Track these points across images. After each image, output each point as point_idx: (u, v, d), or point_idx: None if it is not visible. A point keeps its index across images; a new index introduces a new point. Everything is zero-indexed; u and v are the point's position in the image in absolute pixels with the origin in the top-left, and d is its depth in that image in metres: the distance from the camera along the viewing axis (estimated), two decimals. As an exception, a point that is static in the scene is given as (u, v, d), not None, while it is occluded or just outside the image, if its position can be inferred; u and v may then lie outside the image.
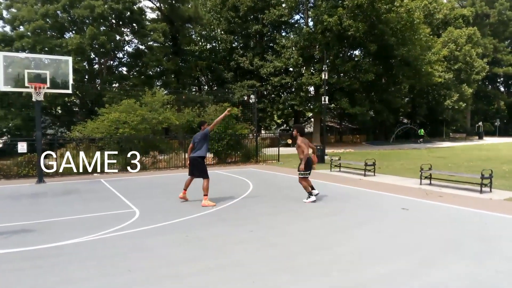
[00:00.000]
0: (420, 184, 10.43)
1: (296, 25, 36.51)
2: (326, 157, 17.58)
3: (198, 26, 35.86)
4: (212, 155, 18.25)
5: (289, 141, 27.30)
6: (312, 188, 8.39)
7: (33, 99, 11.61)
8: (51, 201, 8.73)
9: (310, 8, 33.39)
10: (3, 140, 21.39)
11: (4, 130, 24.54)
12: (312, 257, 4.62)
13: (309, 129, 45.65)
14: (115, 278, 4.05)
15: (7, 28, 27.52)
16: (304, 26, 32.93)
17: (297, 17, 36.64)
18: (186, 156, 9.10)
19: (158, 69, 32.28)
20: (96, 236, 5.64)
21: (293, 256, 4.67)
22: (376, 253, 4.76)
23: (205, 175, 8.16)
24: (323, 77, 19.82)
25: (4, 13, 27.76)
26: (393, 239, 5.35)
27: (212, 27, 37.35)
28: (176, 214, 7.08)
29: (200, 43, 38.74)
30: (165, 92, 21.13)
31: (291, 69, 34.00)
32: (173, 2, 33.29)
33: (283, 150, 22.34)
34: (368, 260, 4.52)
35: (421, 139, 38.30)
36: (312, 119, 40.86)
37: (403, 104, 41.44)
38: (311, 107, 33.51)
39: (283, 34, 36.75)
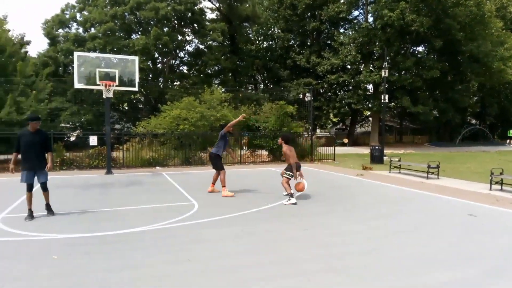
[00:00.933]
0: (490, 189, 9.72)
1: (355, 21, 35.51)
2: (385, 158, 16.99)
3: (255, 25, 36.26)
4: (267, 153, 18.45)
5: (346, 140, 26.73)
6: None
7: (104, 96, 12.56)
8: (118, 191, 9.42)
9: (370, 3, 32.26)
10: (76, 134, 23.29)
11: (77, 124, 26.72)
12: (366, 259, 4.54)
13: (366, 128, 44.25)
14: (175, 267, 4.30)
15: (80, 30, 29.87)
16: (363, 22, 31.92)
17: (356, 13, 35.60)
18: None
19: (217, 67, 33.17)
20: (159, 225, 6.01)
21: (346, 257, 4.62)
22: (436, 259, 4.56)
23: (219, 169, 9.00)
24: (383, 74, 19.10)
25: (78, 15, 30.17)
26: (456, 246, 5.08)
27: (269, 25, 37.58)
28: (232, 208, 7.30)
29: (257, 42, 39.17)
30: (223, 90, 21.70)
31: (348, 66, 33.17)
32: (232, 1, 33.96)
33: (339, 150, 21.93)
34: (426, 266, 4.34)
35: (509, 140, 35.52)
36: (370, 118, 39.52)
37: (471, 104, 38.54)
38: (370, 105, 32.44)
39: (341, 30, 35.92)
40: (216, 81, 34.37)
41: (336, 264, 4.39)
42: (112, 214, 6.85)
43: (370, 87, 33.75)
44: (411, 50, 32.89)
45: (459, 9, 28.07)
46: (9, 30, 17.08)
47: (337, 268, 4.27)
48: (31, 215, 6.46)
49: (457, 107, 34.53)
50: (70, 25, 30.23)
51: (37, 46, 71.81)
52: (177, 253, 4.73)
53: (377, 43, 30.31)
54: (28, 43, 28.51)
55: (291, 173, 8.33)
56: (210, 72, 33.20)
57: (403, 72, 31.47)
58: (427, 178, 11.90)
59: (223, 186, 8.83)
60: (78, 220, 6.42)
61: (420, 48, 34.54)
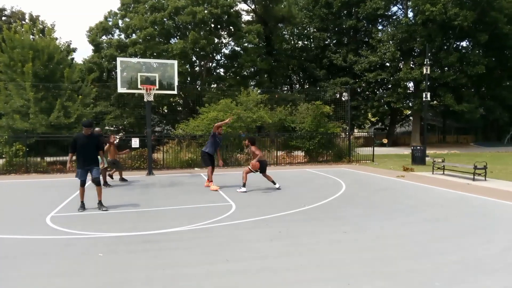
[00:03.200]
0: (544, 192, 9.08)
1: (393, 17, 34.50)
2: (427, 159, 16.36)
3: (290, 25, 36.13)
4: (303, 154, 18.30)
5: (385, 141, 25.96)
6: (274, 182, 9.82)
7: (145, 100, 13.00)
8: (159, 192, 9.70)
9: (410, -1, 31.22)
10: (119, 136, 24.27)
11: (120, 127, 27.84)
12: (411, 264, 4.37)
13: (407, 128, 42.79)
14: (215, 266, 4.35)
15: (122, 36, 31.11)
16: (403, 18, 30.91)
17: (394, 8, 34.65)
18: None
19: (253, 69, 33.37)
20: (198, 225, 6.12)
21: (389, 262, 4.48)
22: (486, 266, 4.30)
23: (206, 165, 10.11)
24: (424, 71, 18.40)
25: (120, 22, 31.46)
26: (508, 252, 4.78)
27: (304, 25, 37.31)
28: (269, 209, 7.30)
29: (292, 42, 39.00)
30: (259, 91, 21.75)
31: (387, 64, 32.25)
32: (267, 3, 34.05)
33: (378, 150, 21.36)
34: (476, 273, 4.11)
35: None
36: (411, 117, 38.19)
37: (520, 101, 36.25)
38: (410, 104, 31.40)
39: (379, 27, 34.99)
40: (252, 83, 34.57)
41: (380, 268, 4.26)
42: (154, 214, 7.06)
43: (411, 85, 32.65)
44: (454, 45, 31.46)
45: (506, 1, 26.49)
46: (56, 38, 18.05)
47: (381, 272, 4.14)
48: (83, 207, 7.35)
49: (505, 105, 32.59)
50: (113, 32, 31.62)
51: (83, 52, 75.76)
52: (216, 253, 4.78)
53: (417, 39, 29.27)
54: (74, 50, 30.16)
55: (254, 169, 9.52)
56: (246, 73, 33.46)
57: (446, 68, 30.19)
58: (474, 179, 11.31)
59: (210, 181, 9.87)
60: (122, 219, 6.67)
61: (464, 43, 33.02)
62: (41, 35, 18.19)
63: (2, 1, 69.13)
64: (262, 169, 9.66)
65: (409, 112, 37.90)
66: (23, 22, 26.49)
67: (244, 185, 9.46)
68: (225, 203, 8.04)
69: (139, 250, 4.93)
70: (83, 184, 7.36)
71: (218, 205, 7.86)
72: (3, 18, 28.49)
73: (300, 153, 18.47)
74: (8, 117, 15.16)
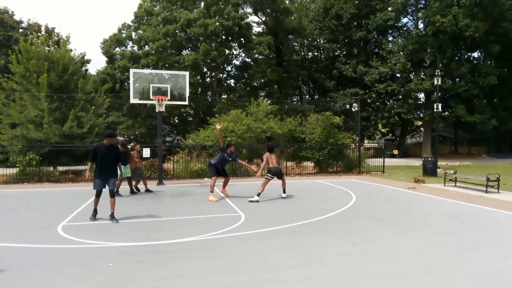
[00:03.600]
0: (560, 205, 8.89)
1: (404, 29, 34.48)
2: (439, 170, 16.16)
3: (300, 37, 36.37)
4: (313, 164, 18.23)
5: (395, 152, 25.73)
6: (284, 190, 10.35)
7: (156, 110, 13.16)
8: (169, 202, 9.75)
9: (420, 10, 31.20)
10: (130, 147, 24.52)
11: (132, 137, 28.17)
12: (422, 278, 4.31)
13: (418, 139, 42.37)
14: (223, 277, 4.35)
15: (135, 48, 31.69)
16: (413, 29, 30.88)
17: (405, 20, 34.67)
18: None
19: (263, 80, 33.59)
20: (208, 236, 6.13)
21: (400, 275, 4.42)
22: (499, 280, 4.23)
23: (210, 175, 10.43)
24: (435, 82, 18.26)
25: (133, 34, 32.08)
26: (522, 267, 4.68)
27: (314, 36, 37.51)
28: (278, 220, 7.28)
29: (302, 53, 39.19)
30: (269, 102, 21.86)
31: (398, 75, 32.13)
32: (278, 15, 34.39)
33: (389, 161, 21.19)
34: (489, 287, 4.04)
35: None
36: (422, 128, 37.84)
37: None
38: (421, 115, 31.13)
39: (390, 38, 35.00)
40: (262, 93, 34.76)
41: (390, 281, 4.21)
42: (163, 224, 7.10)
43: (422, 95, 32.44)
44: (466, 56, 31.25)
45: (518, 12, 26.35)
46: (71, 50, 18.53)
47: (392, 285, 4.10)
48: (95, 215, 7.41)
49: (518, 116, 32.11)
50: (126, 44, 32.24)
51: (96, 64, 77.35)
52: (225, 264, 4.78)
53: (428, 50, 29.16)
54: (88, 61, 30.83)
55: (272, 176, 9.99)
56: (256, 84, 33.69)
57: (458, 79, 29.95)
58: (486, 192, 11.13)
59: (211, 191, 9.93)
60: (132, 229, 6.72)
61: (475, 54, 32.75)
62: (56, 46, 18.63)
63: (19, 13, 71.18)
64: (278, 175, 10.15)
65: (420, 123, 37.57)
66: (39, 34, 27.19)
67: (259, 195, 9.67)
68: (234, 213, 8.05)
69: (149, 260, 4.96)
70: (99, 195, 7.26)
71: (227, 215, 7.87)
72: (20, 30, 29.29)
73: (309, 164, 18.42)
74: (23, 127, 15.48)
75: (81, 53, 30.17)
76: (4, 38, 27.74)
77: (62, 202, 9.64)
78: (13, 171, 14.67)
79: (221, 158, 10.24)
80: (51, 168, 15.31)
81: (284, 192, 10.37)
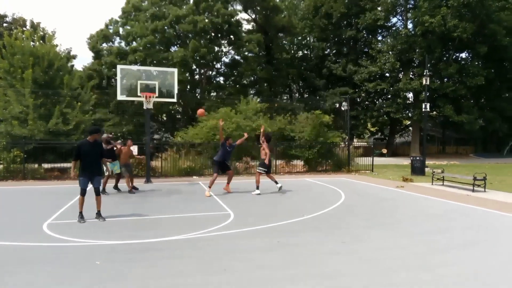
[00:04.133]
0: (544, 204, 9.01)
1: (393, 28, 34.77)
2: (427, 169, 16.30)
3: (290, 35, 36.37)
4: (302, 163, 18.24)
5: (384, 151, 25.92)
6: (276, 183, 10.85)
7: (144, 107, 12.97)
8: (157, 200, 9.61)
9: (410, 10, 31.48)
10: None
11: (119, 134, 27.79)
12: (411, 277, 4.29)
13: (406, 138, 42.82)
14: (211, 276, 4.27)
15: (122, 44, 31.26)
16: (402, 29, 31.14)
17: (394, 20, 34.87)
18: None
19: (252, 78, 33.52)
20: (196, 234, 6.04)
21: (389, 273, 4.40)
22: (486, 279, 4.24)
23: (212, 172, 10.92)
24: (424, 82, 18.42)
25: (120, 30, 31.64)
26: (508, 265, 4.71)
27: (304, 35, 37.55)
28: (267, 219, 7.22)
29: (292, 52, 39.20)
30: (258, 100, 21.81)
31: (387, 74, 32.40)
32: (268, 12, 34.32)
33: (377, 160, 21.33)
34: (476, 286, 4.04)
35: None
36: (411, 128, 38.24)
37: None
38: (410, 114, 31.45)
39: (379, 38, 35.24)
40: (251, 91, 34.68)
41: (380, 280, 4.18)
42: (151, 222, 6.98)
43: (410, 95, 32.76)
44: (454, 56, 31.67)
45: (505, 13, 26.80)
46: (57, 45, 18.09)
47: (381, 284, 4.07)
48: (82, 217, 7.00)
49: (505, 116, 32.68)
50: (113, 40, 31.77)
51: (83, 60, 76.16)
52: (214, 263, 4.70)
53: (417, 50, 29.45)
54: (74, 57, 30.20)
55: (265, 169, 10.56)
56: (246, 82, 33.60)
57: (446, 79, 30.31)
58: (473, 191, 11.25)
59: (209, 186, 10.29)
60: (120, 227, 6.59)
61: (463, 55, 33.23)
62: (41, 41, 18.22)
63: (3, 7, 69.69)
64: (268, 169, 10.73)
65: (409, 122, 37.95)
66: (24, 28, 26.61)
67: (257, 188, 10.42)
68: (223, 212, 7.96)
69: (136, 258, 4.85)
70: (83, 193, 6.99)
71: (216, 214, 7.78)
72: (4, 24, 28.65)
73: (299, 162, 18.42)
74: (7, 123, 15.12)
75: (67, 49, 29.65)
76: (-12, 32, 27.08)
77: (48, 200, 9.43)
78: (-4, 168, 14.33)
79: (223, 152, 10.58)
80: (36, 165, 15.00)
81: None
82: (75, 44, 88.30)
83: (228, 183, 10.90)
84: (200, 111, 11.32)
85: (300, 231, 6.34)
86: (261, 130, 11.35)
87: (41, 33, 24.74)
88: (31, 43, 17.38)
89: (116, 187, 10.97)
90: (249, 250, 5.24)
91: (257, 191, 10.38)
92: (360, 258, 4.93)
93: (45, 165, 15.28)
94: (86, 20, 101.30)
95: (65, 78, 16.74)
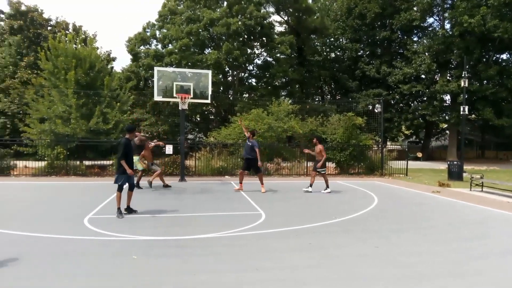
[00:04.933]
0: None
1: (429, 29, 33.72)
2: (464, 175, 15.74)
3: (323, 37, 36.09)
4: (334, 165, 18.09)
5: (419, 155, 25.20)
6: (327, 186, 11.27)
7: (179, 108, 13.35)
8: (190, 198, 9.89)
9: (447, 10, 30.41)
10: (154, 143, 24.98)
11: (155, 134, 28.63)
12: (444, 284, 4.23)
13: (443, 142, 41.36)
14: (244, 275, 4.39)
15: (159, 46, 32.18)
16: (439, 29, 30.15)
17: (430, 20, 33.86)
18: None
19: (284, 79, 33.52)
20: (228, 233, 6.20)
21: (422, 280, 4.35)
22: (529, 289, 4.10)
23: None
24: (462, 84, 17.80)
25: (157, 33, 32.59)
26: (552, 276, 4.53)
27: (336, 36, 37.15)
28: (299, 220, 7.28)
29: (324, 53, 38.87)
30: (290, 101, 21.82)
31: (423, 76, 31.46)
32: (300, 14, 34.23)
33: (412, 164, 20.80)
34: (518, 296, 3.93)
35: None
36: (447, 131, 36.93)
37: None
38: (446, 117, 30.38)
39: (415, 39, 34.28)
40: (283, 93, 34.69)
41: (412, 286, 4.16)
42: (185, 219, 7.22)
43: (447, 97, 31.66)
44: (494, 58, 30.27)
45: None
46: (98, 48, 18.94)
47: (413, 289, 4.04)
48: (121, 212, 7.35)
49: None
50: (150, 42, 32.78)
51: (122, 62, 78.89)
52: (245, 262, 4.82)
53: (455, 51, 28.43)
54: (114, 59, 31.48)
55: (322, 168, 11.02)
56: (277, 84, 33.67)
57: (485, 81, 29.06)
58: (515, 198, 10.77)
59: (240, 182, 11.35)
60: (156, 223, 6.86)
61: (504, 56, 31.68)
62: (83, 44, 19.12)
63: (48, 11, 73.35)
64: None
65: (446, 125, 36.67)
66: (67, 32, 27.97)
67: (327, 186, 11.19)
68: (254, 212, 8.09)
69: (171, 254, 5.06)
70: (121, 189, 7.37)
71: (247, 213, 7.92)
72: (49, 28, 30.18)
73: (331, 165, 18.28)
74: (51, 122, 15.98)
75: (107, 51, 30.87)
76: (34, 35, 28.67)
77: (88, 195, 9.92)
78: (41, 164, 15.19)
79: (245, 146, 11.34)
80: (78, 162, 15.76)
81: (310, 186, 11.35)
82: (114, 46, 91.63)
83: (261, 184, 11.26)
84: None
85: (332, 234, 6.35)
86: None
87: (83, 36, 25.97)
88: (74, 45, 18.30)
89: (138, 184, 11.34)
90: (280, 250, 5.33)
91: (328, 190, 11.15)
92: (392, 263, 4.90)
93: (86, 162, 16.01)
94: (125, 24, 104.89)
95: (105, 79, 17.50)
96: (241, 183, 11.40)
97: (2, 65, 26.59)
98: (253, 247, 5.48)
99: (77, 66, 16.81)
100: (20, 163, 15.53)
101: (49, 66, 17.03)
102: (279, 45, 30.27)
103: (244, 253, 5.17)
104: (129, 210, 7.61)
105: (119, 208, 7.37)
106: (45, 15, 30.18)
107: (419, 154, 25.37)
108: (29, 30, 28.57)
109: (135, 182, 7.73)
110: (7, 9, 29.48)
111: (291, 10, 34.60)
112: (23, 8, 29.09)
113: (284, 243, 5.69)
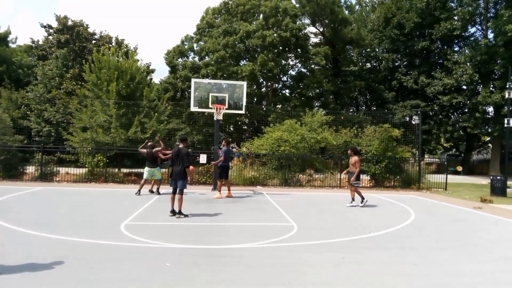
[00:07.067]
0: None
1: (471, 39, 32.45)
2: (508, 190, 14.89)
3: (358, 47, 35.66)
4: (369, 178, 17.66)
5: (460, 168, 24.13)
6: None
7: (214, 118, 13.59)
8: (223, 207, 9.97)
9: (490, 19, 29.19)
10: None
11: (189, 143, 29.27)
12: (490, 306, 4.00)
13: (485, 155, 39.36)
14: (276, 287, 4.36)
15: (196, 58, 33.01)
16: (482, 39, 28.94)
17: (472, 29, 32.57)
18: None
19: (318, 90, 33.31)
20: (259, 244, 6.18)
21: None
22: None
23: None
24: (506, 95, 16.93)
25: (194, 45, 33.50)
26: None
27: (373, 46, 36.58)
28: (332, 233, 7.15)
29: (360, 64, 38.34)
30: (324, 112, 21.63)
31: (464, 87, 30.21)
32: (336, 25, 34.03)
33: (452, 178, 19.92)
34: None
35: None
36: (490, 144, 35.12)
37: None
38: (489, 130, 28.93)
39: (455, 49, 33.10)
40: (317, 104, 34.44)
41: (452, 306, 3.96)
42: (217, 229, 7.28)
43: (490, 109, 30.18)
44: (542, 68, 28.59)
45: None
46: (138, 60, 19.73)
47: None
48: (173, 212, 8.30)
49: None
50: (188, 55, 33.73)
51: (160, 73, 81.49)
52: (278, 274, 4.77)
53: (498, 61, 27.15)
54: (153, 71, 32.57)
55: (357, 182, 10.74)
56: (311, 95, 33.49)
57: (533, 93, 27.45)
58: None
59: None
60: (188, 231, 6.97)
61: (553, 66, 29.84)
62: (125, 57, 20.00)
63: (93, 26, 77.29)
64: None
65: (488, 138, 34.92)
66: (110, 45, 29.33)
67: (363, 198, 10.83)
68: (286, 223, 8.04)
69: (203, 263, 5.10)
70: (174, 191, 8.35)
71: (279, 224, 7.88)
72: (93, 41, 31.79)
73: (365, 177, 17.86)
74: (92, 131, 16.72)
75: (146, 63, 32.04)
76: (79, 48, 30.29)
77: (126, 202, 10.25)
78: (82, 171, 15.89)
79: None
80: (116, 170, 16.35)
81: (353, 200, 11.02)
82: (154, 59, 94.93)
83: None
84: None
85: (366, 249, 6.18)
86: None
87: (125, 49, 27.16)
88: (116, 58, 19.16)
89: (152, 190, 12.17)
90: (313, 264, 5.25)
91: (365, 200, 10.89)
92: (433, 283, 4.68)
93: (124, 170, 16.58)
94: (165, 37, 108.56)
95: (144, 90, 18.17)
96: (229, 190, 12.03)
97: (49, 77, 28.22)
98: (285, 259, 5.43)
99: (118, 77, 17.56)
100: (63, 170, 16.32)
101: (92, 77, 17.91)
102: (314, 56, 30.20)
103: (276, 266, 5.12)
104: (180, 213, 8.28)
105: (173, 209, 8.30)
106: (90, 30, 31.81)
107: (459, 168, 24.29)
108: (75, 43, 30.22)
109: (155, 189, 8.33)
110: (55, 24, 31.34)
111: (326, 21, 34.48)
112: (69, 23, 30.84)
113: (317, 257, 5.60)
